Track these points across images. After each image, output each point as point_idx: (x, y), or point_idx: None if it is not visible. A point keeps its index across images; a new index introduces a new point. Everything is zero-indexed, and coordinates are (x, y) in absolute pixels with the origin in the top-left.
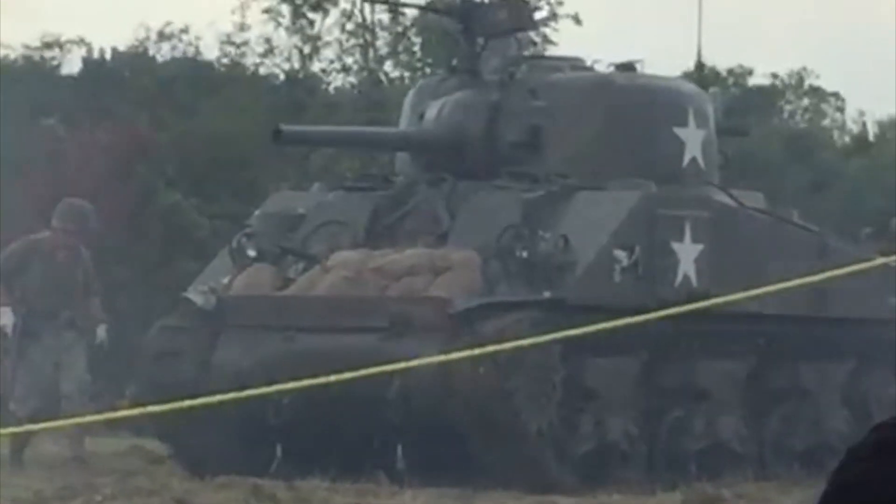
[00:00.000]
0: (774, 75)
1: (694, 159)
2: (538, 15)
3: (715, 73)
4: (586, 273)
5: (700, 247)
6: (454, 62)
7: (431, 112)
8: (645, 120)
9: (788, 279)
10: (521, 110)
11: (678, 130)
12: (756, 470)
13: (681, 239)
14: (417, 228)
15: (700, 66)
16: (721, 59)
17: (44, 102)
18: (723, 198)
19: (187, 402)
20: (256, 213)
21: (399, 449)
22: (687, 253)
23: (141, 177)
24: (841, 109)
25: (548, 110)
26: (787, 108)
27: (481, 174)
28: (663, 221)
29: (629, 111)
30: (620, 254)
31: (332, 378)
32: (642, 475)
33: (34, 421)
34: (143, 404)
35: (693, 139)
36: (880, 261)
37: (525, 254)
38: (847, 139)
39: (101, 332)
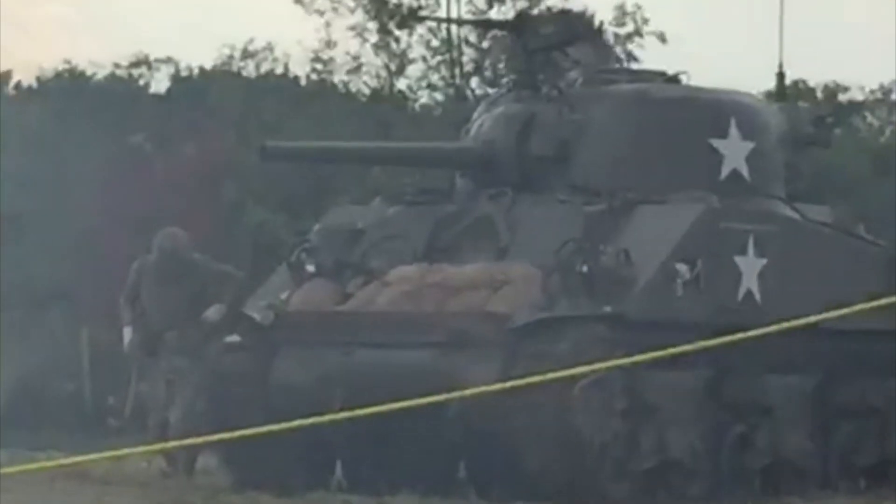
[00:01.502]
0: (862, 89)
1: (735, 171)
2: (617, 31)
3: (806, 89)
4: (647, 287)
5: (764, 261)
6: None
7: (474, 127)
8: (678, 130)
9: (853, 293)
10: (552, 123)
11: (716, 142)
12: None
13: (744, 253)
14: (477, 243)
15: (781, 79)
16: (814, 75)
17: (132, 120)
18: (786, 211)
19: (266, 428)
20: (316, 227)
21: (462, 465)
22: (750, 267)
23: (228, 194)
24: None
25: (579, 123)
26: (875, 122)
27: (513, 187)
28: (726, 235)
29: (660, 123)
30: (682, 267)
31: (388, 407)
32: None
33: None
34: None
35: (735, 150)
36: None
37: (585, 268)
38: None
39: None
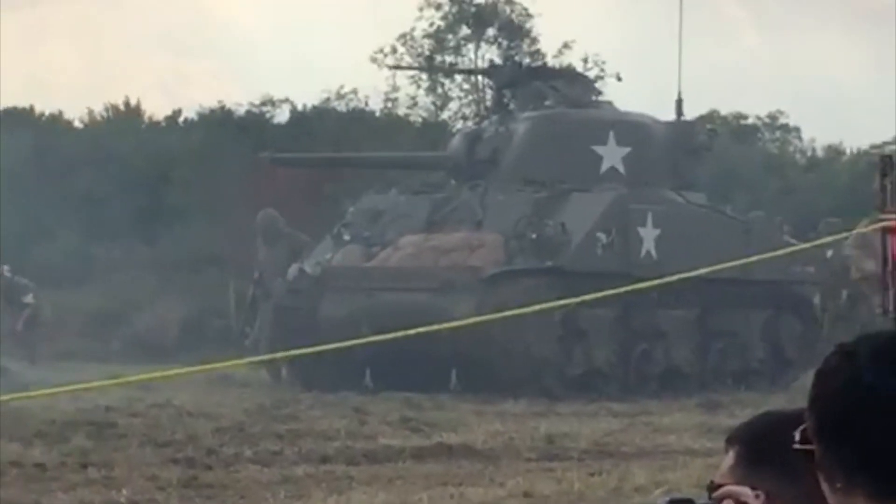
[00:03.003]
0: (758, 117)
1: (612, 167)
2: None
3: (718, 116)
4: (577, 249)
5: (658, 231)
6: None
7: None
8: (566, 140)
9: (720, 251)
10: (489, 137)
11: (597, 147)
12: (699, 385)
13: (644, 225)
14: (460, 219)
15: (679, 105)
16: (725, 105)
17: (261, 142)
18: (674, 196)
19: (319, 348)
20: (350, 209)
21: (453, 373)
22: (649, 235)
23: (328, 196)
24: (800, 138)
25: (507, 136)
26: (765, 138)
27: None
28: (631, 213)
29: (557, 135)
30: (601, 235)
31: (401, 333)
32: (619, 391)
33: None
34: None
35: (612, 153)
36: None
37: (534, 236)
38: (804, 160)
39: None
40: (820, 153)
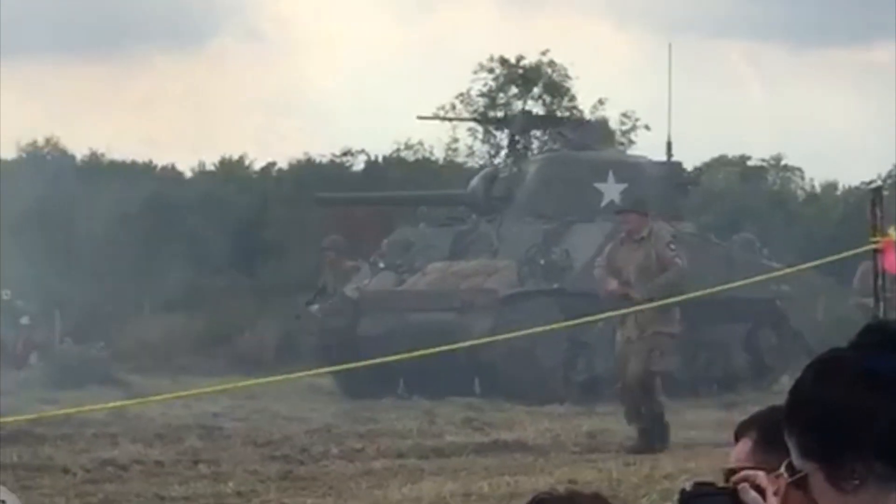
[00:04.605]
0: (763, 159)
1: (612, 201)
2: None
3: (726, 159)
4: (580, 272)
5: None
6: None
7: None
8: (571, 178)
9: (706, 274)
10: (505, 177)
11: (598, 184)
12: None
13: None
14: (479, 248)
15: (669, 147)
16: (732, 149)
17: (342, 187)
18: (663, 225)
19: (360, 363)
20: (385, 241)
21: (476, 381)
22: None
23: (394, 222)
24: (801, 177)
25: (520, 176)
26: (769, 177)
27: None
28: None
29: (563, 174)
30: (600, 260)
31: (429, 351)
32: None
33: None
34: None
35: (611, 189)
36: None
37: (543, 261)
38: (804, 195)
39: None
40: (818, 189)
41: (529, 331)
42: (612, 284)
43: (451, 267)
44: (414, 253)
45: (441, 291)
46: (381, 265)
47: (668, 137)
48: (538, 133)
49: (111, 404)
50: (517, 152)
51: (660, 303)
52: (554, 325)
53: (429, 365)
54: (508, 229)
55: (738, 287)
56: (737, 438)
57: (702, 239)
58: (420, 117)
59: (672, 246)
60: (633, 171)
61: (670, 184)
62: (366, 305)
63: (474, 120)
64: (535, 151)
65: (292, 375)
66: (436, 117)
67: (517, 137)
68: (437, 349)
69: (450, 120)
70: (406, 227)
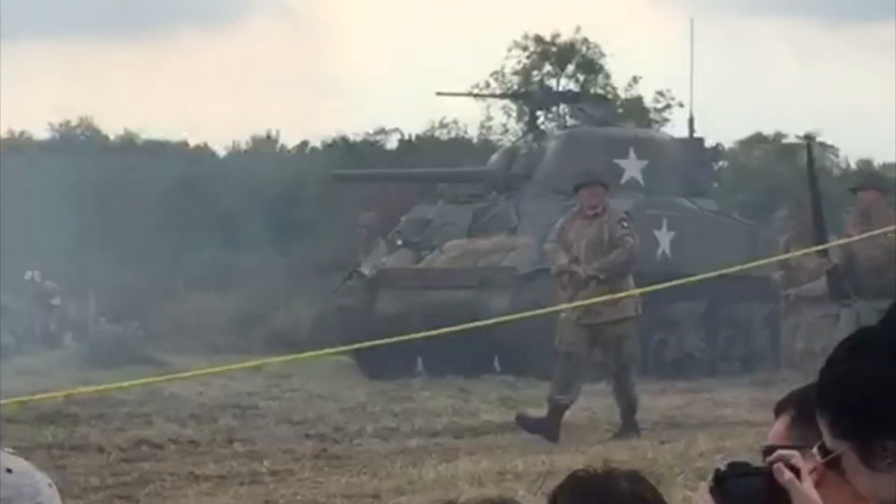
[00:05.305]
0: (798, 136)
1: (632, 178)
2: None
3: (762, 136)
4: None
5: (672, 233)
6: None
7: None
8: (591, 155)
9: (728, 252)
10: (524, 154)
11: (619, 161)
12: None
13: (660, 228)
14: (498, 225)
15: (691, 122)
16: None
17: (376, 165)
18: (686, 202)
19: (383, 342)
20: (403, 218)
21: (496, 358)
22: (664, 237)
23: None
24: (836, 155)
25: (539, 152)
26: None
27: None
28: (649, 218)
29: (584, 151)
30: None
31: (446, 329)
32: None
33: None
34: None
35: (632, 166)
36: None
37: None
38: (840, 172)
39: None
40: (853, 167)
41: (551, 309)
42: (562, 259)
43: (470, 244)
44: (432, 230)
45: (459, 269)
46: (399, 242)
47: (690, 114)
48: (563, 109)
49: (144, 380)
50: (537, 129)
51: (675, 282)
52: (577, 304)
53: (448, 343)
54: (528, 206)
55: (761, 266)
56: (777, 415)
57: (724, 216)
58: (439, 93)
59: (625, 223)
60: (653, 147)
61: (692, 160)
62: (383, 283)
63: (493, 96)
64: (556, 128)
65: (313, 353)
66: (456, 93)
67: (538, 113)
68: (460, 327)
69: (472, 96)
70: (423, 204)
